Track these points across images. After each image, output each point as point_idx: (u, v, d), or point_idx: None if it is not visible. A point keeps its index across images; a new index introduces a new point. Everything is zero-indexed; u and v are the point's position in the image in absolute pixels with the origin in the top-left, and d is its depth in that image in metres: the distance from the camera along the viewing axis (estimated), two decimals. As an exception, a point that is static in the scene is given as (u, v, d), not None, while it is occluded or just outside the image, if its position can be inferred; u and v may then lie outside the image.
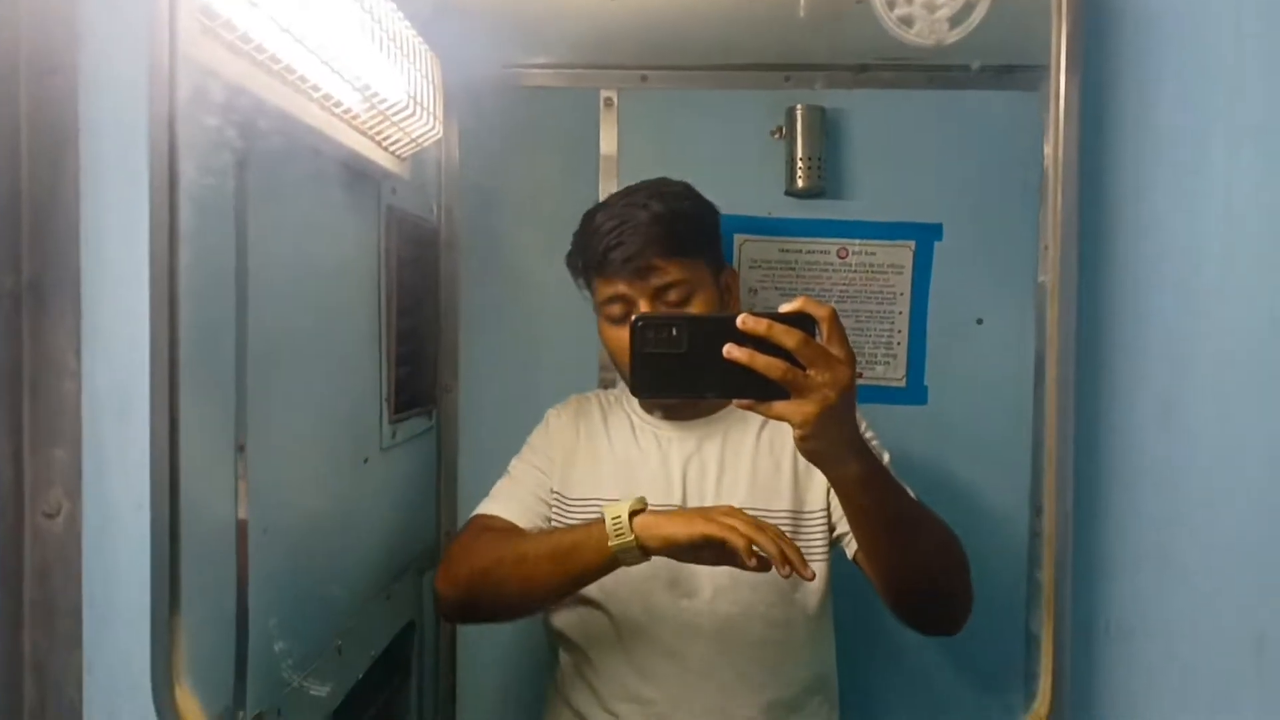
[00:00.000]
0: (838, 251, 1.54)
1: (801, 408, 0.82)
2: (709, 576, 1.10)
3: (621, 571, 1.10)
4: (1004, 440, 1.34)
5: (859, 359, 1.46)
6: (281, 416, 1.06)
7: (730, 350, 0.81)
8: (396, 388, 1.38)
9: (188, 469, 0.71)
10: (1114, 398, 0.75)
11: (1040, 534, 1.10)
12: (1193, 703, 0.75)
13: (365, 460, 1.29)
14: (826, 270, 1.55)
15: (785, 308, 0.83)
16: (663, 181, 1.18)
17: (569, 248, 1.22)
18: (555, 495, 1.18)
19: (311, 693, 1.11)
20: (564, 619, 1.18)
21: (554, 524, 1.17)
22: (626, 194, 1.17)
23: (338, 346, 1.23)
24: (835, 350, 0.83)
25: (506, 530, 1.16)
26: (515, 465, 1.24)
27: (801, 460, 1.13)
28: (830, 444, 0.86)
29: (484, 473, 1.55)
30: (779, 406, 0.83)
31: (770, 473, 1.15)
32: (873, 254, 1.54)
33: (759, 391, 0.83)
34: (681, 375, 0.85)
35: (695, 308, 1.12)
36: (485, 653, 1.56)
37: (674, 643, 1.11)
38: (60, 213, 0.65)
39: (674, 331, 0.84)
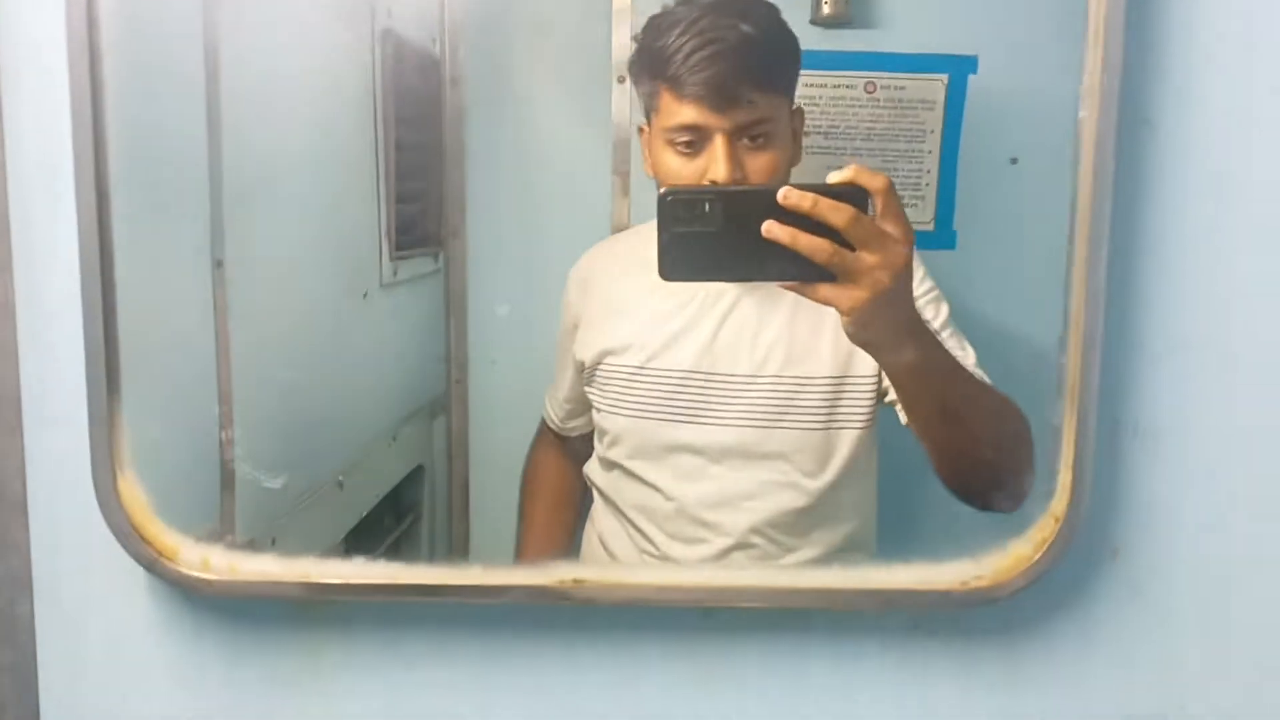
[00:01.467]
0: (865, 86, 1.45)
1: (851, 292, 0.76)
2: (741, 444, 1.06)
3: (649, 439, 1.09)
4: (1037, 285, 1.27)
5: (884, 201, 1.38)
6: (267, 238, 1.02)
7: (770, 228, 0.74)
8: (398, 225, 1.33)
9: (141, 273, 0.68)
10: (1160, 166, 0.67)
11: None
12: (1224, 509, 0.69)
13: (365, 295, 1.26)
14: (853, 106, 1.46)
15: (834, 177, 0.75)
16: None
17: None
18: (586, 369, 1.14)
19: (308, 523, 1.10)
20: (601, 478, 1.17)
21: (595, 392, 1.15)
22: (709, 7, 1.05)
23: (329, 174, 1.19)
24: (890, 227, 0.76)
25: (545, 464, 1.29)
26: (557, 341, 1.23)
27: None
28: (883, 331, 0.80)
29: (493, 318, 1.53)
30: (825, 290, 0.76)
31: (810, 335, 1.07)
32: (903, 88, 1.44)
33: (802, 273, 0.75)
34: (715, 256, 0.77)
35: (771, 154, 1.05)
36: (499, 497, 1.56)
37: (706, 513, 1.07)
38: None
39: (707, 207, 0.76)
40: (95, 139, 0.55)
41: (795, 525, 1.07)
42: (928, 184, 1.47)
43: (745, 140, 1.03)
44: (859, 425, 1.07)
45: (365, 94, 1.26)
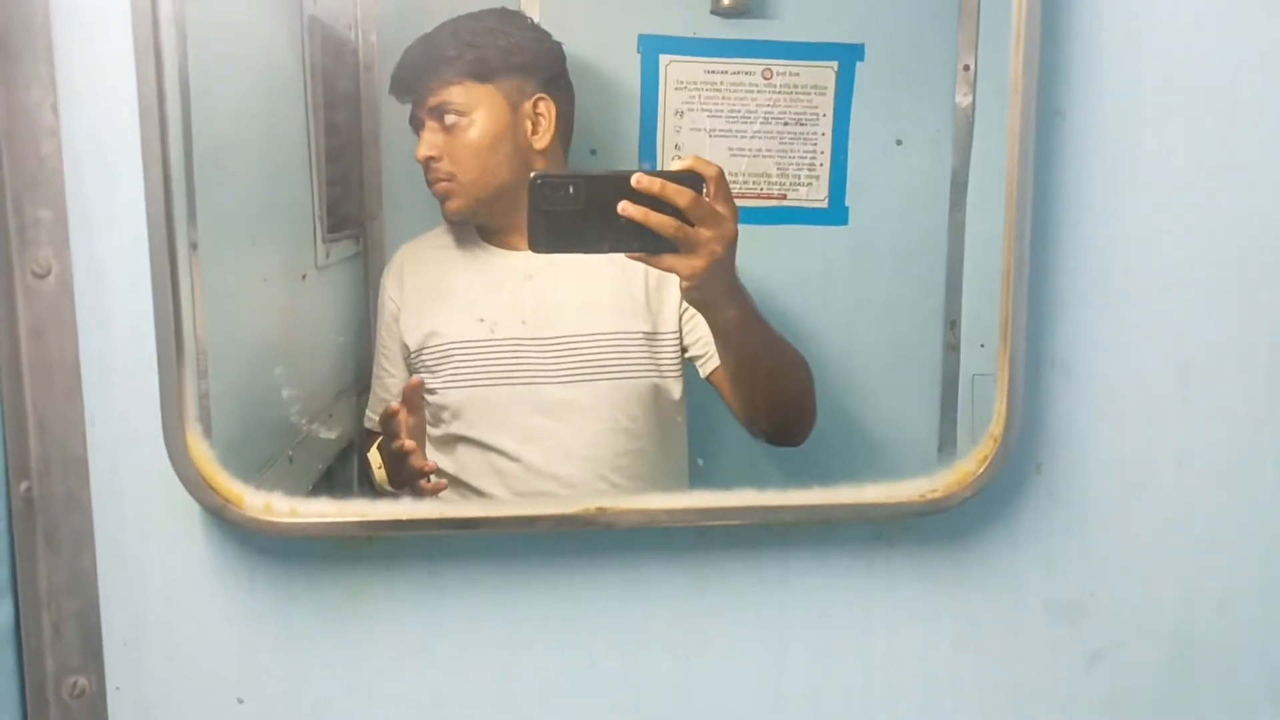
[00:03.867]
0: (762, 73, 1.55)
1: (690, 261, 0.90)
2: (572, 399, 1.17)
3: (490, 404, 1.18)
4: (921, 259, 1.42)
5: (784, 180, 1.50)
6: (224, 218, 1.04)
7: (625, 208, 0.87)
8: (328, 208, 1.36)
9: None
10: (1064, 154, 0.80)
11: (955, 346, 1.19)
12: (1125, 426, 0.83)
13: (304, 276, 1.29)
14: (751, 91, 1.56)
15: (676, 166, 0.90)
16: (502, 10, 1.18)
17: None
18: (413, 355, 1.21)
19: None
20: (447, 462, 1.22)
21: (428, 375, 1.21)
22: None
23: (269, 155, 1.21)
24: (721, 208, 0.91)
25: None
26: (375, 354, 1.28)
27: (652, 284, 1.21)
28: (714, 293, 0.95)
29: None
30: (669, 259, 0.90)
31: (626, 296, 1.20)
32: (796, 75, 1.56)
33: (651, 245, 0.90)
34: (577, 230, 0.90)
35: (474, 132, 1.15)
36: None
37: (553, 467, 1.17)
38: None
39: (571, 189, 0.89)
40: (160, 118, 0.59)
41: (632, 469, 1.19)
42: (821, 164, 1.59)
43: (442, 124, 1.16)
44: (671, 375, 1.20)
45: (297, 79, 1.29)
